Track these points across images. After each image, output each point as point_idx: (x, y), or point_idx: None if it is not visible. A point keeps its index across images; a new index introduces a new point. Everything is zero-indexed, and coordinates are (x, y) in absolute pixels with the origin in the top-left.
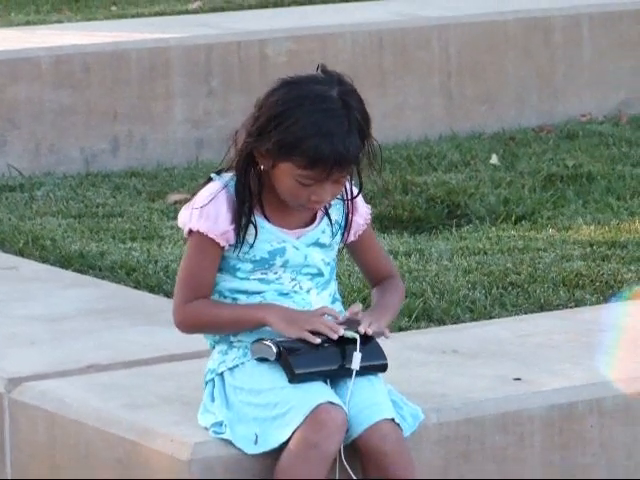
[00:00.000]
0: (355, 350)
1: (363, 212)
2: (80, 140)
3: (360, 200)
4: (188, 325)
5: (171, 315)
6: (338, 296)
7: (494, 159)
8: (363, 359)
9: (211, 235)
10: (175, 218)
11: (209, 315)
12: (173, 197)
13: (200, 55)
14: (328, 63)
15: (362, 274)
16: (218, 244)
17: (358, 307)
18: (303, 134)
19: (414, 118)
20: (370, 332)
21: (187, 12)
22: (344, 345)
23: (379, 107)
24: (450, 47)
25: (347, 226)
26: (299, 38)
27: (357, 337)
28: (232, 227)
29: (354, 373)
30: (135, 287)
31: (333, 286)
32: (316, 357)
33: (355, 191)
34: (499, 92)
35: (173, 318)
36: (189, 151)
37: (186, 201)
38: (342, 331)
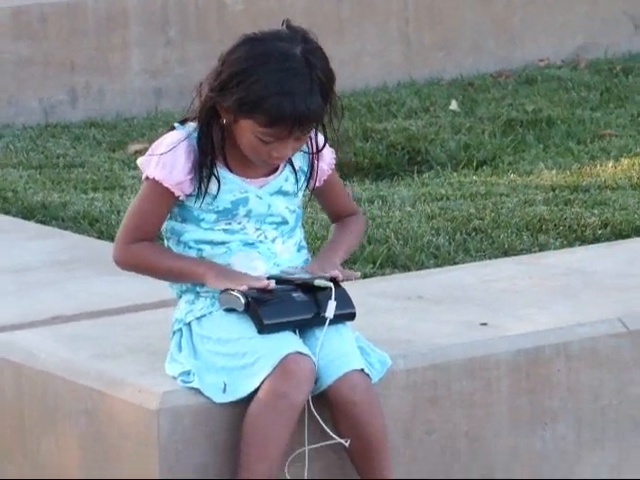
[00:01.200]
0: (330, 299)
1: (327, 158)
2: (38, 91)
3: (322, 142)
4: (127, 265)
5: None
6: (304, 244)
7: (453, 105)
8: (337, 308)
9: (165, 184)
10: (135, 168)
11: (150, 261)
12: (133, 147)
13: (157, 4)
14: (285, 11)
15: (325, 213)
16: (172, 193)
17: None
18: (264, 93)
19: (372, 65)
20: (341, 277)
21: None
22: (314, 294)
23: (337, 54)
24: None
25: (312, 173)
26: None
27: (331, 285)
28: (189, 177)
29: (327, 322)
30: (98, 237)
31: (299, 234)
32: (285, 307)
33: (320, 142)
34: (457, 38)
35: (113, 254)
36: (148, 101)
37: (146, 151)
38: (267, 281)
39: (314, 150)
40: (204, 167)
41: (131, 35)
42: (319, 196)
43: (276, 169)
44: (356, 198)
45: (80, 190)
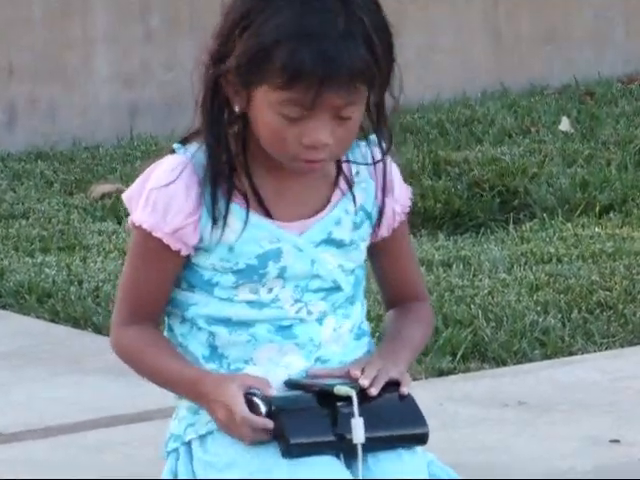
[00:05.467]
0: (352, 416)
1: (400, 195)
2: None
3: (395, 173)
4: (122, 357)
5: (107, 357)
6: (366, 327)
7: (565, 124)
8: (394, 426)
9: (157, 234)
10: (104, 218)
11: (138, 356)
12: (100, 189)
13: None
14: None
15: (380, 289)
16: (168, 247)
17: (359, 371)
18: (275, 36)
19: (447, 67)
20: (374, 392)
21: None
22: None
23: (396, 52)
24: None
25: (380, 214)
26: None
27: (353, 395)
28: (191, 220)
29: (359, 449)
30: (52, 320)
31: (359, 311)
32: (321, 422)
33: (395, 175)
34: (568, 28)
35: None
36: (119, 121)
37: (119, 193)
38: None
39: (382, 183)
40: (215, 200)
41: (95, 26)
42: (377, 258)
43: (326, 204)
44: (426, 259)
45: (23, 251)
